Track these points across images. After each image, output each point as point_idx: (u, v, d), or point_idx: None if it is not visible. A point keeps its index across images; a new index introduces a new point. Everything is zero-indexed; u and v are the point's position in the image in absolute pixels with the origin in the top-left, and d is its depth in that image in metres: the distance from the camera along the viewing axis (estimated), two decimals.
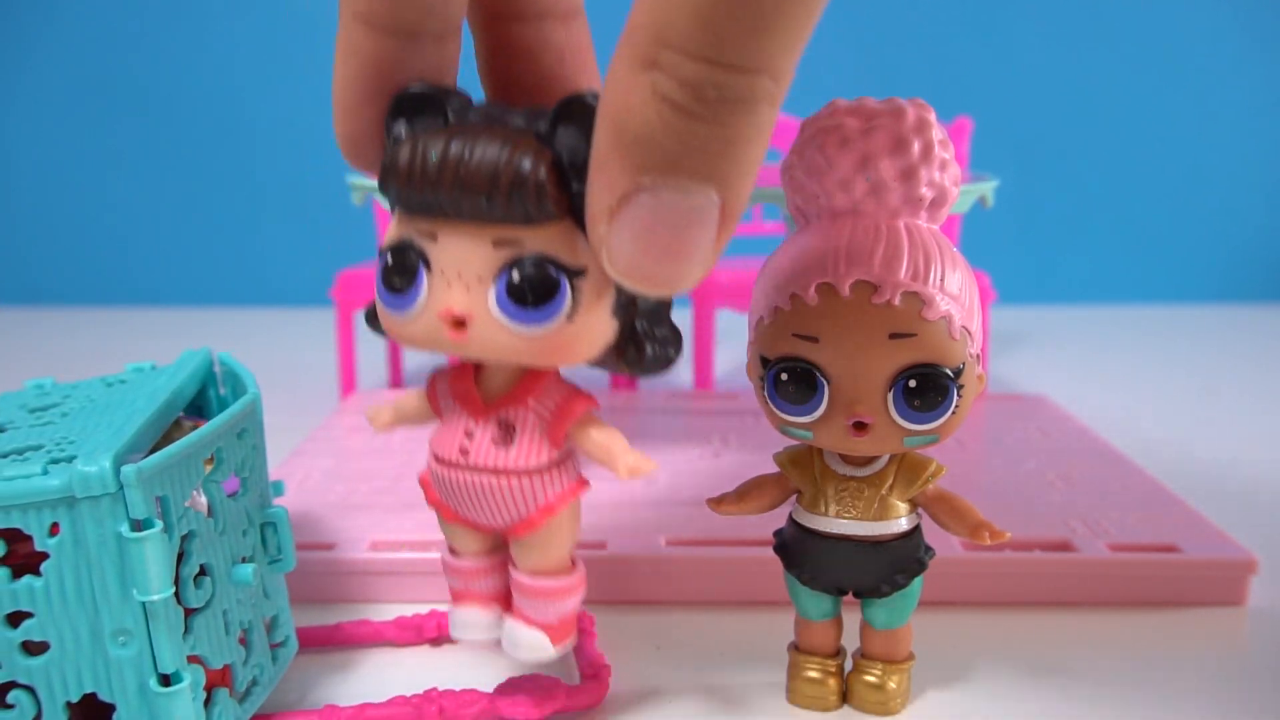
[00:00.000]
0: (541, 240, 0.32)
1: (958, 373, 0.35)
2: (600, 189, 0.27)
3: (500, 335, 0.33)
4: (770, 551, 0.41)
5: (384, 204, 0.34)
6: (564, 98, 0.32)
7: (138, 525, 0.32)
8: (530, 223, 0.32)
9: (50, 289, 1.49)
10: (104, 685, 0.33)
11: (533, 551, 0.37)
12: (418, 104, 0.33)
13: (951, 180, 0.36)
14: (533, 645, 0.38)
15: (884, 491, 0.39)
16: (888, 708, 0.41)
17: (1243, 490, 0.68)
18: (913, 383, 0.35)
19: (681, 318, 0.39)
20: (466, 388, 0.37)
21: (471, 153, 0.31)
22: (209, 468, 0.36)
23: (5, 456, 0.34)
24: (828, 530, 0.39)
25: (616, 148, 0.26)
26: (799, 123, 0.37)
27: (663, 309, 0.36)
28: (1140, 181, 1.44)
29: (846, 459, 0.39)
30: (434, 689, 0.41)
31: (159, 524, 0.32)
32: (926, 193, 0.35)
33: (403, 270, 0.33)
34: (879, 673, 0.41)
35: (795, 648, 0.42)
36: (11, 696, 0.33)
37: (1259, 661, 0.46)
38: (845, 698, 0.42)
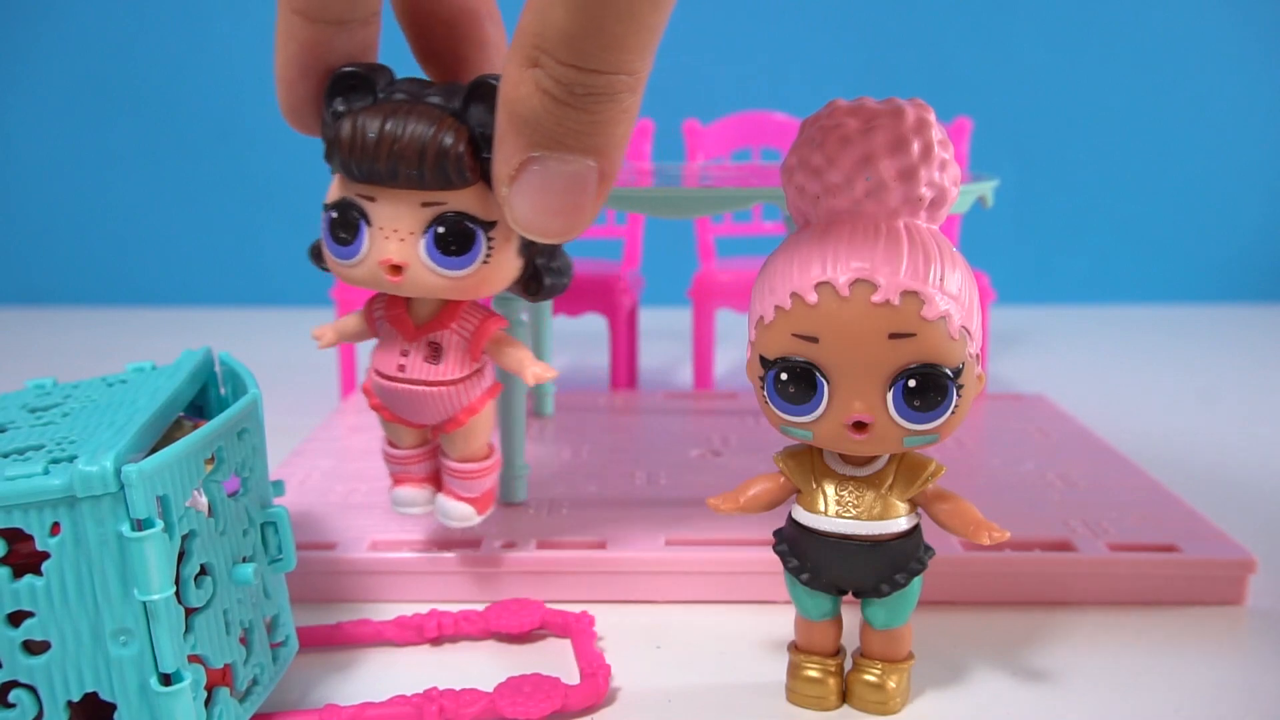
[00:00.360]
0: (460, 200, 0.41)
1: (957, 372, 0.35)
2: (501, 160, 0.33)
3: (429, 277, 0.42)
4: (770, 551, 0.41)
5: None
6: (473, 80, 0.40)
7: (139, 525, 0.32)
8: (451, 187, 0.40)
9: (50, 289, 1.49)
10: (105, 684, 0.33)
11: (459, 442, 0.47)
12: (351, 82, 0.40)
13: (951, 180, 0.36)
14: (462, 515, 0.49)
15: (883, 491, 0.39)
16: (887, 707, 0.41)
17: (1242, 490, 0.68)
18: (912, 382, 0.35)
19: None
20: (399, 314, 0.45)
21: (403, 131, 0.39)
22: (209, 467, 0.36)
23: (6, 456, 0.35)
24: (827, 530, 0.39)
25: (511, 128, 0.32)
26: (796, 123, 0.37)
27: (556, 246, 0.44)
28: (1139, 181, 1.44)
29: (846, 459, 0.39)
30: (434, 688, 0.41)
31: (160, 523, 0.32)
32: (926, 193, 0.35)
33: (346, 226, 0.42)
34: (879, 672, 0.41)
35: (795, 647, 0.42)
36: (13, 696, 0.33)
37: (1258, 660, 0.46)
38: (845, 697, 0.42)
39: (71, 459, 0.33)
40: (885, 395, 0.36)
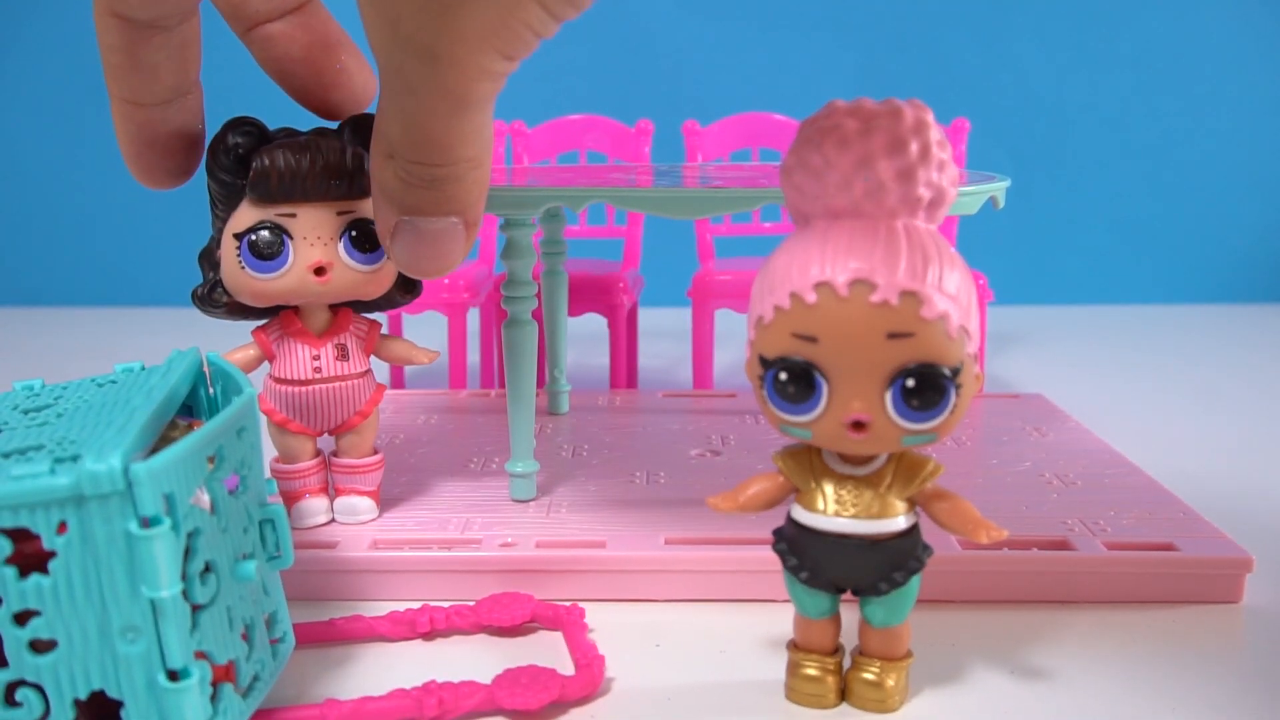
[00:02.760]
0: (364, 208, 0.51)
1: (956, 372, 0.35)
2: (380, 221, 0.41)
3: (349, 274, 0.51)
4: (769, 550, 0.42)
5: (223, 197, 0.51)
6: (354, 118, 0.50)
7: (145, 523, 0.32)
8: (361, 197, 0.50)
9: (31, 289, 1.48)
10: (112, 682, 0.33)
11: (360, 438, 0.55)
12: (245, 129, 0.49)
13: (949, 181, 0.36)
14: (368, 509, 0.56)
15: (882, 490, 0.39)
16: (886, 705, 0.41)
17: (1239, 489, 0.68)
18: (911, 382, 0.35)
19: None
20: (299, 329, 0.53)
21: (320, 155, 0.49)
22: (210, 466, 0.37)
23: (7, 457, 0.35)
24: (826, 529, 0.39)
25: (382, 199, 0.40)
26: (796, 124, 0.38)
27: None
28: (1138, 182, 1.44)
29: (845, 458, 0.39)
30: (433, 681, 0.41)
31: (167, 521, 0.32)
32: (924, 193, 0.36)
33: (271, 243, 0.50)
34: (877, 670, 0.41)
35: (794, 646, 0.42)
36: (20, 694, 0.34)
37: (1255, 659, 0.46)
38: (844, 695, 0.42)
39: (75, 458, 0.33)
40: (884, 395, 0.36)
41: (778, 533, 0.41)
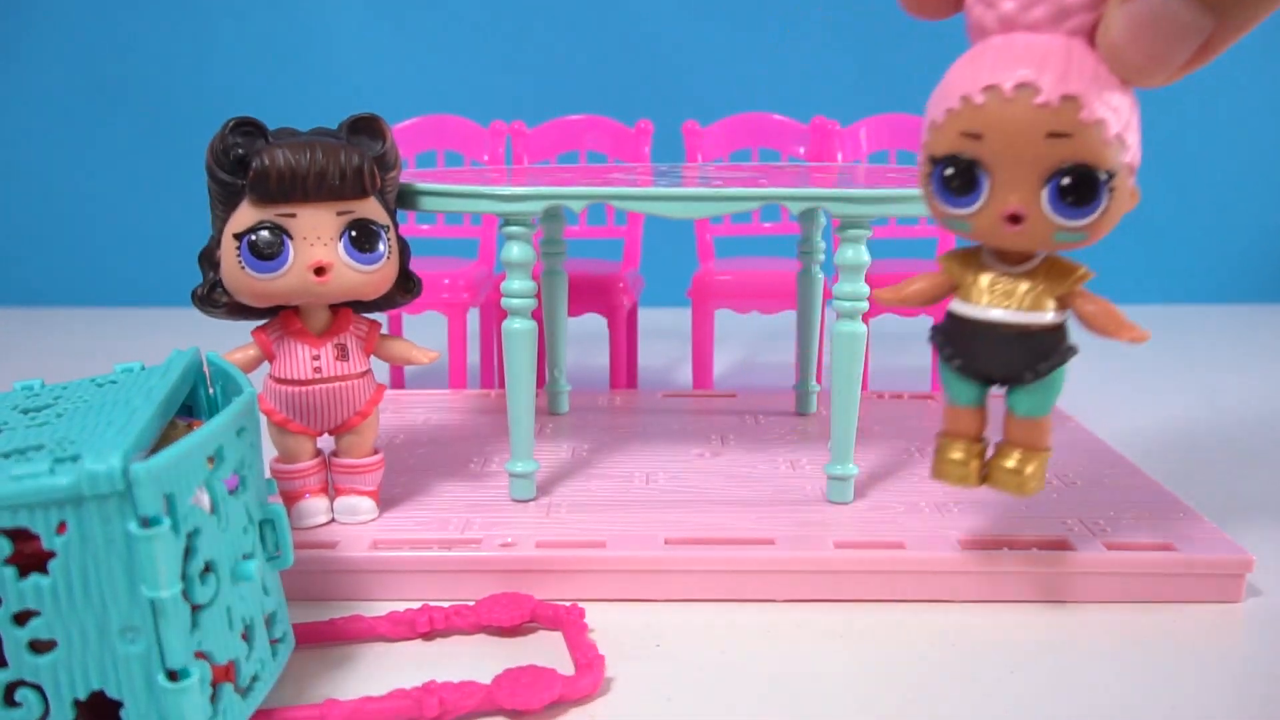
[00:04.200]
0: (364, 208, 0.51)
1: (1110, 175, 0.39)
2: None
3: (350, 274, 0.51)
4: (768, 550, 0.42)
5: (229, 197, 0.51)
6: (353, 119, 0.51)
7: (145, 523, 0.32)
8: (360, 197, 0.50)
9: (31, 289, 1.48)
10: (111, 682, 0.33)
11: (360, 438, 0.55)
12: (246, 129, 0.49)
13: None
14: (368, 509, 0.56)
15: (1034, 287, 0.43)
16: (1023, 490, 0.45)
17: (1239, 489, 0.68)
18: (1066, 180, 0.38)
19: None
20: (299, 329, 0.53)
21: (321, 154, 0.49)
22: (210, 466, 0.37)
23: (7, 457, 0.35)
24: (980, 317, 0.43)
25: None
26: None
27: (407, 252, 0.55)
28: (1138, 181, 1.44)
29: (1002, 257, 0.43)
30: (433, 681, 0.41)
31: (167, 521, 0.32)
32: (1095, 15, 0.37)
33: (272, 243, 0.50)
34: (1019, 457, 0.45)
35: (943, 433, 0.46)
36: (19, 695, 0.34)
37: (1254, 659, 0.46)
38: (985, 480, 0.46)
39: (75, 458, 0.33)
40: (1040, 191, 0.39)
41: (935, 328, 0.45)
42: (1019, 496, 0.45)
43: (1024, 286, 0.43)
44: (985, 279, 0.43)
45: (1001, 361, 0.44)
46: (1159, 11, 0.33)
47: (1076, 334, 0.44)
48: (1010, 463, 0.45)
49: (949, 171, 0.40)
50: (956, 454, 0.46)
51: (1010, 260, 0.43)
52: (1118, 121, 0.38)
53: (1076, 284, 0.43)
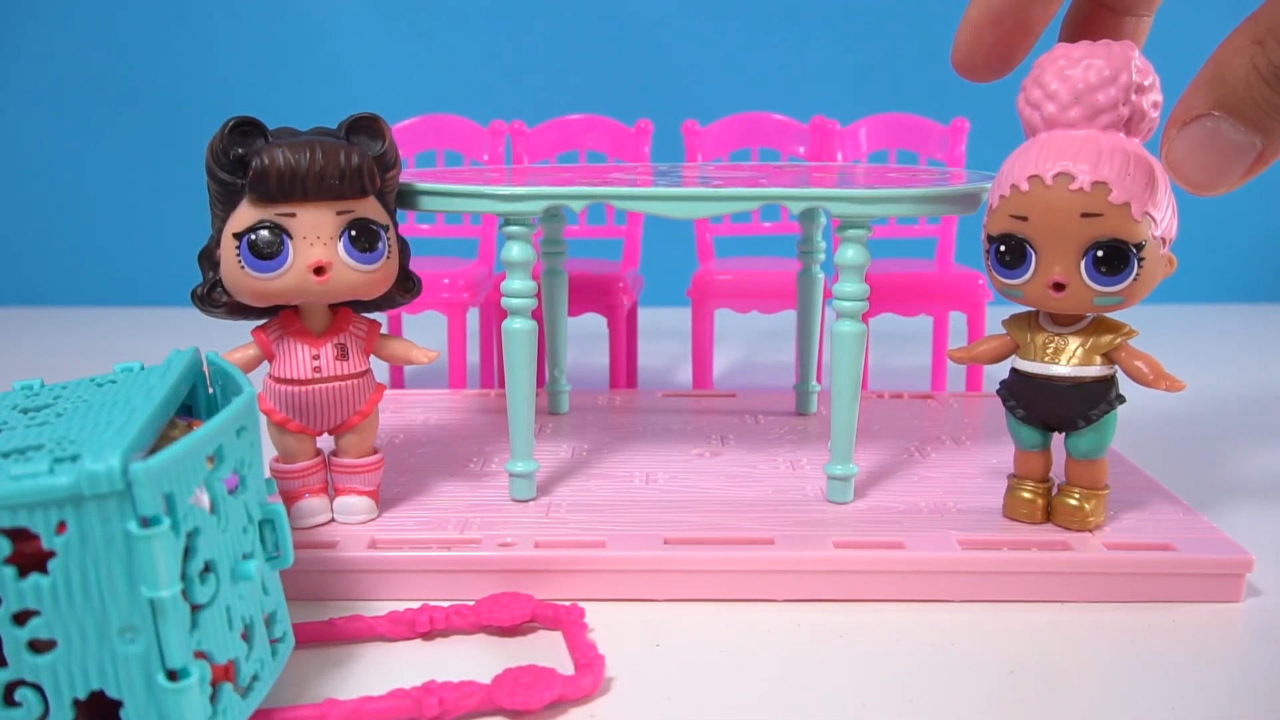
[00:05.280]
0: (364, 208, 0.51)
1: (1139, 247, 0.46)
2: (1182, 106, 0.38)
3: (349, 274, 0.51)
4: (767, 550, 0.43)
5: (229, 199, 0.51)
6: (352, 118, 0.51)
7: (144, 523, 0.32)
8: (360, 196, 0.51)
9: (31, 289, 1.48)
10: (111, 682, 0.33)
11: (360, 438, 0.55)
12: (245, 129, 0.49)
13: (1150, 104, 0.46)
14: (367, 509, 0.56)
15: (1084, 344, 0.50)
16: (1085, 525, 0.53)
17: (1239, 489, 0.68)
18: (1100, 252, 0.46)
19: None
20: (299, 328, 0.53)
21: (321, 154, 0.49)
22: (210, 465, 0.37)
23: (6, 456, 0.35)
24: (1039, 373, 0.51)
25: (1207, 83, 0.37)
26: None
27: (407, 252, 0.55)
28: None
29: (1055, 319, 0.51)
30: (432, 681, 0.41)
31: (166, 521, 0.32)
32: (1124, 112, 0.46)
33: (271, 243, 0.50)
34: (1079, 496, 0.53)
35: (1013, 475, 0.55)
36: (19, 694, 0.34)
37: (1254, 659, 0.46)
38: (1050, 516, 0.54)
39: (74, 458, 0.33)
40: (1079, 263, 0.47)
41: (1003, 384, 0.53)
42: (1082, 531, 0.52)
43: (1075, 344, 0.50)
44: (1041, 338, 0.51)
45: (1058, 410, 0.51)
46: (1212, 135, 0.37)
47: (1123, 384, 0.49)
48: (1073, 500, 0.53)
49: (1002, 248, 0.48)
50: (1025, 493, 0.54)
51: (1062, 322, 0.51)
52: (1145, 201, 0.45)
53: (1119, 340, 0.50)
